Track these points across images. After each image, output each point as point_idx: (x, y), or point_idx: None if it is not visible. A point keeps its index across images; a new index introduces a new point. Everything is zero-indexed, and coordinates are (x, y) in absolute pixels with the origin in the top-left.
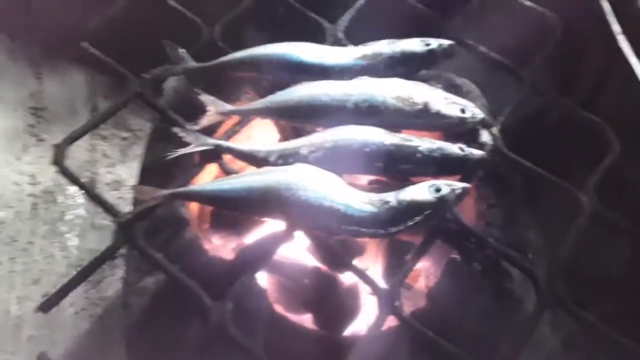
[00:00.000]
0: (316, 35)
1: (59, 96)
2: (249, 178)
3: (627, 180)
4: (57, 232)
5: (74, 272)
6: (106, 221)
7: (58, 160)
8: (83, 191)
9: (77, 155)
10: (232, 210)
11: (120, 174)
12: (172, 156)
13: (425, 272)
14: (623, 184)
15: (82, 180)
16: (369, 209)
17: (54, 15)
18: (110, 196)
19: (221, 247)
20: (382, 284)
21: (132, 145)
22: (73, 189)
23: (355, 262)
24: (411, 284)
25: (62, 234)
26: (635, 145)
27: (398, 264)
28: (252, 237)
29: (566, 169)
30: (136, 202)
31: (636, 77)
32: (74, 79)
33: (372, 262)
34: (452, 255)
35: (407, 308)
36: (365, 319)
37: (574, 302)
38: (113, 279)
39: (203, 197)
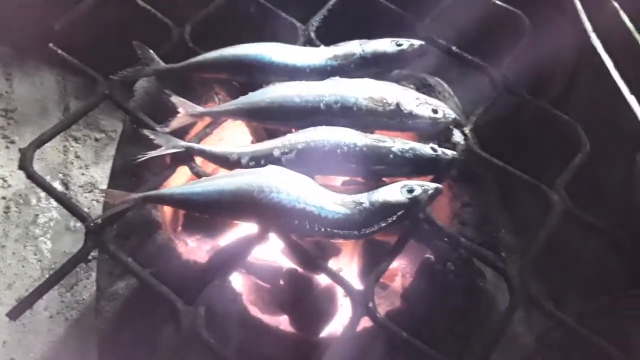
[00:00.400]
0: (288, 35)
1: (30, 97)
2: (221, 181)
3: (599, 177)
4: (30, 235)
5: (47, 276)
6: (79, 224)
7: (25, 164)
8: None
9: (50, 157)
10: (204, 214)
11: (94, 175)
12: (142, 159)
13: (401, 270)
14: (596, 180)
15: (54, 183)
16: (342, 210)
17: (23, 15)
18: (83, 198)
19: (195, 249)
20: (357, 284)
21: (105, 147)
22: None
23: (331, 262)
24: (387, 283)
25: (35, 237)
26: (606, 142)
27: (374, 263)
28: (226, 239)
29: (539, 167)
30: (106, 205)
31: (608, 74)
32: (45, 79)
33: (347, 261)
34: (427, 255)
35: (383, 308)
36: (341, 320)
37: (548, 298)
38: (88, 282)
39: (174, 201)
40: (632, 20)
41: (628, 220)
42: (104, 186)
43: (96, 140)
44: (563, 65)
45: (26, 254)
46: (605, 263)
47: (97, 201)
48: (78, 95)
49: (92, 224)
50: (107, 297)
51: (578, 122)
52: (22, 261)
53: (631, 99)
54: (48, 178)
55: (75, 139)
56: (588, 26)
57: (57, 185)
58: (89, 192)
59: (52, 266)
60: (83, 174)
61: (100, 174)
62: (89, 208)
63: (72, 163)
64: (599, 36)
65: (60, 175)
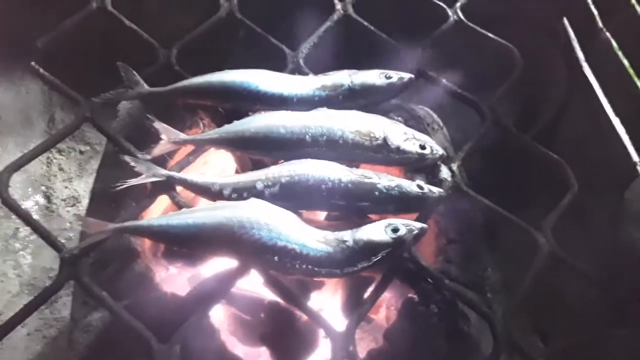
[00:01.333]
0: (276, 61)
1: (14, 106)
2: (200, 214)
3: (586, 212)
4: (10, 250)
5: (26, 292)
6: (61, 238)
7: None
8: (25, 223)
9: (32, 168)
10: (182, 248)
11: (77, 189)
12: (122, 187)
13: (386, 303)
14: (583, 215)
15: (36, 196)
16: (325, 248)
17: (7, 24)
18: (66, 212)
19: (175, 276)
20: (340, 319)
21: (89, 160)
22: (28, 204)
23: (313, 295)
24: (372, 316)
25: (15, 251)
26: (594, 176)
27: (357, 297)
28: (207, 267)
29: (528, 200)
30: (83, 235)
31: (599, 103)
32: (30, 89)
33: (331, 294)
34: (410, 295)
35: (367, 342)
36: (323, 353)
37: (533, 332)
38: (68, 300)
39: (152, 233)
40: (623, 51)
41: (613, 258)
42: (87, 200)
43: (81, 152)
44: (553, 95)
45: (5, 268)
46: (591, 300)
47: (79, 215)
48: (64, 106)
49: (67, 255)
50: (80, 328)
51: (567, 154)
52: (1, 276)
53: (622, 131)
54: (30, 190)
55: (59, 151)
56: (580, 55)
57: (39, 199)
58: (72, 206)
59: (31, 282)
60: (66, 187)
61: (84, 188)
62: (70, 222)
63: (55, 176)
64: (590, 66)
65: (43, 187)
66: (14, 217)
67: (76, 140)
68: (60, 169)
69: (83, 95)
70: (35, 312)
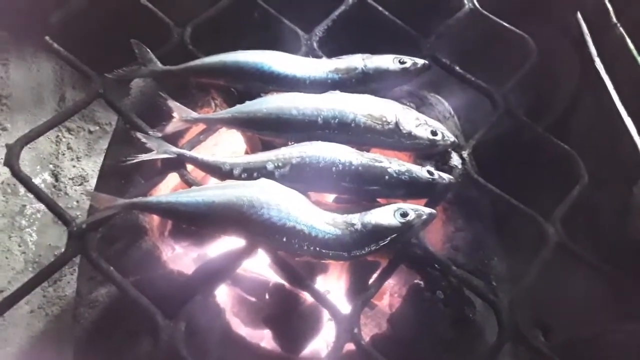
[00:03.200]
0: (290, 43)
1: (25, 84)
2: (210, 192)
3: (595, 205)
4: (16, 226)
5: (31, 269)
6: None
7: (11, 162)
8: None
9: (41, 146)
10: (190, 225)
11: (85, 168)
12: (132, 162)
13: (390, 290)
14: (592, 208)
15: (44, 174)
16: (333, 231)
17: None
18: (73, 191)
19: (182, 255)
20: (345, 303)
21: (98, 139)
22: (36, 182)
23: (319, 279)
24: (375, 302)
25: (21, 228)
26: (604, 170)
27: (362, 282)
28: (214, 247)
29: (537, 191)
30: (92, 209)
31: (610, 99)
32: (42, 67)
33: (336, 278)
34: (416, 281)
35: (370, 328)
36: (326, 337)
37: (535, 324)
38: (72, 278)
39: (160, 210)
40: (637, 47)
41: (621, 251)
42: (95, 180)
43: (90, 132)
44: (565, 88)
45: (10, 245)
46: (596, 293)
47: (87, 194)
48: (75, 85)
49: (75, 229)
50: (86, 303)
51: (577, 148)
52: (5, 252)
53: (632, 127)
54: (38, 168)
55: (69, 130)
56: (593, 50)
57: (47, 177)
58: (79, 185)
59: (36, 259)
60: (74, 166)
61: (92, 167)
62: (77, 202)
63: (63, 154)
64: (603, 61)
65: (51, 166)
66: (21, 194)
67: (85, 119)
68: (69, 148)
69: (96, 72)
70: (38, 288)
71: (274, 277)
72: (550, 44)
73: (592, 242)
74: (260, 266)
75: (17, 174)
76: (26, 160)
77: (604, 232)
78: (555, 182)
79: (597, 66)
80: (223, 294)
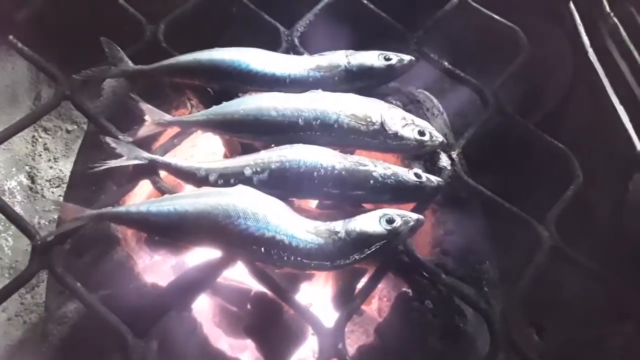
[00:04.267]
0: (270, 39)
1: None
2: (183, 201)
3: (590, 201)
4: None
5: (7, 275)
6: (44, 220)
7: None
8: None
9: (17, 147)
10: (163, 237)
11: (63, 169)
12: (100, 168)
13: (378, 294)
14: (586, 204)
15: (20, 176)
16: (315, 240)
17: None
18: (50, 193)
19: (160, 263)
20: (330, 312)
21: (76, 139)
22: (11, 184)
23: (304, 285)
24: (363, 307)
25: None
26: (598, 165)
27: (349, 289)
28: (192, 255)
29: (530, 190)
30: (60, 220)
31: (603, 90)
32: (16, 65)
33: (322, 285)
34: (404, 289)
35: (357, 336)
36: (312, 346)
37: (529, 325)
38: None
39: (130, 221)
40: (630, 37)
41: (616, 249)
42: None
43: (67, 131)
44: (558, 81)
45: None
46: (591, 294)
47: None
48: (50, 84)
49: (39, 243)
50: (55, 319)
51: (570, 143)
52: None
53: (626, 120)
54: (13, 170)
55: (45, 130)
56: (586, 41)
57: (23, 179)
58: (57, 187)
59: (13, 265)
60: (51, 168)
61: (70, 168)
62: (55, 205)
63: (40, 155)
64: (596, 52)
65: (27, 167)
66: None
67: (63, 118)
68: (46, 149)
69: (67, 72)
70: (15, 295)
71: (256, 286)
72: (543, 35)
73: (587, 239)
74: (242, 274)
75: None
76: (1, 162)
77: (599, 229)
78: (549, 180)
79: (590, 57)
80: (203, 304)
